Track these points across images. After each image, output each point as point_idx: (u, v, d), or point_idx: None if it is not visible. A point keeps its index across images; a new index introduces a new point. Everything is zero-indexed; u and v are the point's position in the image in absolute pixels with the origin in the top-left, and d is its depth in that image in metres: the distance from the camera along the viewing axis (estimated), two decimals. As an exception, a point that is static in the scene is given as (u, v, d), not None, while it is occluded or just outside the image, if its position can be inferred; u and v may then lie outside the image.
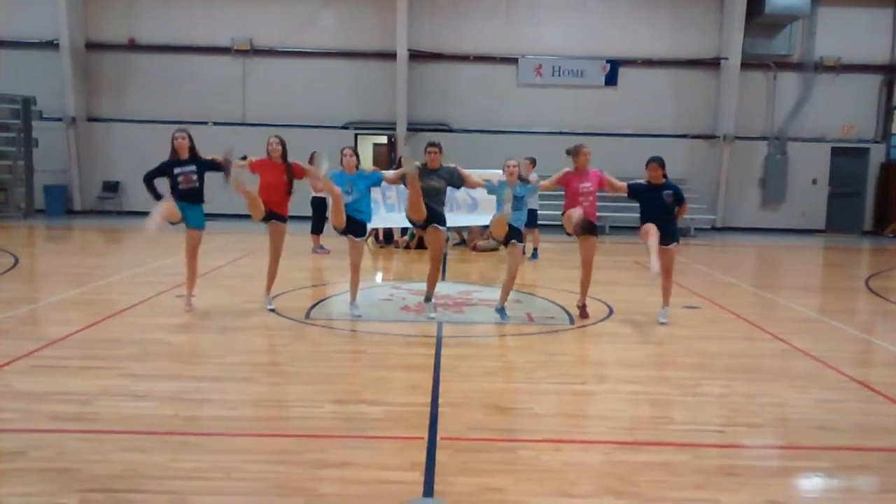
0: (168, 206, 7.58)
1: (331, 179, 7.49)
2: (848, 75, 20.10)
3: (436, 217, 7.74)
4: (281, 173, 8.01)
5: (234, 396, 5.33)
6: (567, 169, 8.07)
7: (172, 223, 7.77)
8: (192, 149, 7.91)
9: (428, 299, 8.15)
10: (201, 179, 7.90)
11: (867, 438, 4.86)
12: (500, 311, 7.97)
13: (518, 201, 7.73)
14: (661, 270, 7.60)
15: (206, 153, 8.05)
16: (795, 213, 20.53)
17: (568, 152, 8.13)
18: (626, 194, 8.09)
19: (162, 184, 7.86)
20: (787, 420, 5.22)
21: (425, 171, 7.73)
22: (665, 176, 7.93)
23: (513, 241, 7.79)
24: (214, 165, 7.83)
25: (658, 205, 7.85)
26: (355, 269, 8.03)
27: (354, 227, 7.82)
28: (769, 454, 4.62)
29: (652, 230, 7.64)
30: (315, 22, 19.77)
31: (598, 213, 8.36)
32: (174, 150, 7.84)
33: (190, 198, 7.84)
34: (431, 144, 7.81)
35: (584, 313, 8.37)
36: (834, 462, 4.44)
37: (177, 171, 7.77)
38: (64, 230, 17.16)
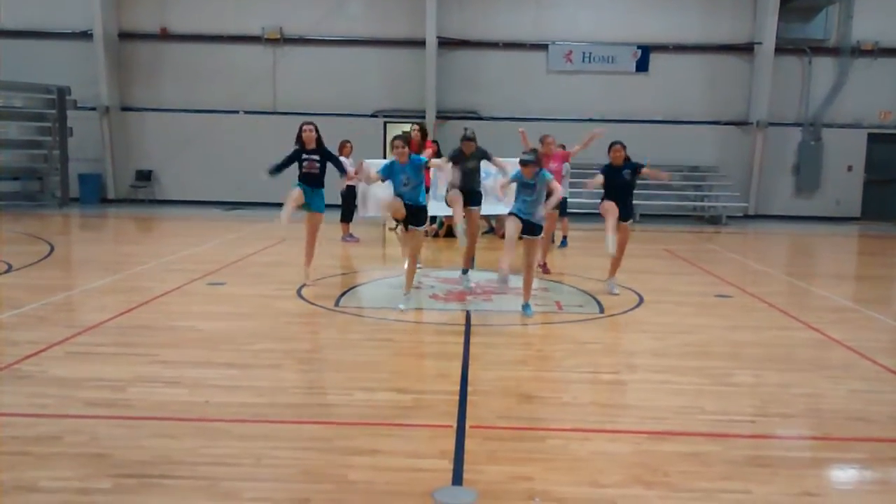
0: (294, 193, 8.55)
1: (384, 171, 7.93)
2: (886, 59, 19.63)
3: (473, 198, 8.86)
4: None
5: (264, 383, 5.37)
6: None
7: (300, 207, 8.65)
8: (319, 140, 8.76)
9: (465, 271, 9.09)
10: (323, 168, 8.75)
11: (903, 430, 4.78)
12: (525, 306, 7.84)
13: (530, 189, 7.51)
14: (617, 246, 8.54)
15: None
16: (830, 201, 20.16)
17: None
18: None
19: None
20: (821, 410, 5.15)
21: (462, 157, 8.78)
22: (627, 158, 8.58)
23: (525, 236, 7.66)
24: (336, 162, 8.87)
25: (618, 184, 8.50)
26: (413, 259, 8.01)
27: (414, 216, 7.85)
28: (802, 445, 4.56)
29: (611, 209, 8.37)
30: (344, 10, 19.76)
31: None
32: (301, 141, 8.68)
33: (312, 182, 8.68)
34: (468, 138, 8.75)
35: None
36: (869, 453, 4.38)
37: (304, 157, 8.69)
38: (98, 218, 17.41)
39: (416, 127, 9.16)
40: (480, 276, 9.49)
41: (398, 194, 7.81)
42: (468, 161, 8.79)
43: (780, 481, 3.95)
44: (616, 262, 8.89)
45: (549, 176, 7.60)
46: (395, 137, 7.92)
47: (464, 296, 8.63)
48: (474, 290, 8.86)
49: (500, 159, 8.86)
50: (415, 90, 19.66)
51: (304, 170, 8.72)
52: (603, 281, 9.06)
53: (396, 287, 8.53)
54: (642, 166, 8.57)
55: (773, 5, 18.85)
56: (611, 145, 8.63)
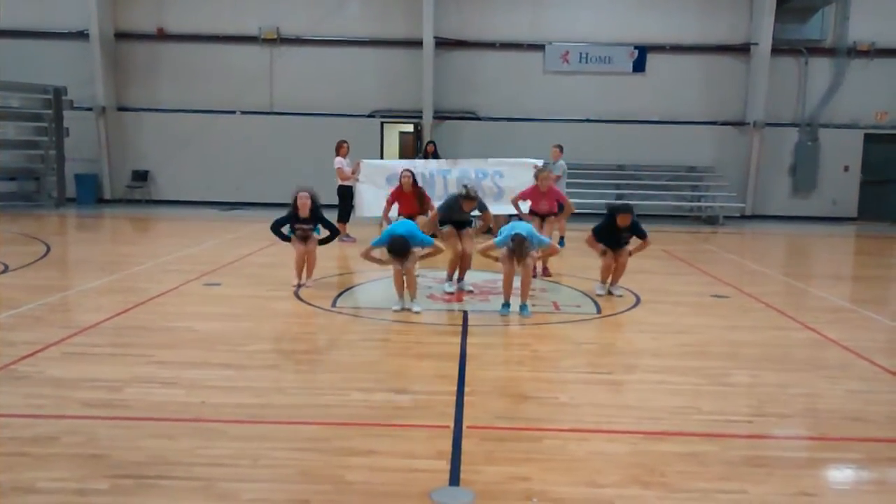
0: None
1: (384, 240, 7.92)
2: (882, 60, 19.64)
3: (465, 225, 9.02)
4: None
5: (260, 384, 5.37)
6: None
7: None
8: (313, 209, 8.91)
9: (460, 279, 8.97)
10: (315, 228, 9.11)
11: (900, 430, 4.78)
12: (523, 306, 7.85)
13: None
14: (617, 263, 8.79)
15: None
16: (826, 201, 20.18)
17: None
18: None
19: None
20: (818, 411, 5.16)
21: (459, 211, 8.84)
22: (631, 219, 8.59)
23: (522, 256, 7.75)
24: (328, 226, 9.13)
25: (615, 240, 8.74)
26: (410, 272, 7.95)
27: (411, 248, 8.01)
28: (799, 445, 4.57)
29: (608, 265, 8.87)
30: (341, 10, 19.74)
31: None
32: (296, 208, 8.86)
33: (305, 240, 9.05)
34: (470, 197, 8.64)
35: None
36: (866, 454, 4.38)
37: (297, 226, 8.97)
38: (94, 219, 17.37)
39: (407, 174, 10.19)
40: (478, 277, 9.48)
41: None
42: (464, 214, 8.96)
43: (776, 481, 3.95)
44: (618, 275, 8.92)
45: (544, 241, 8.15)
46: (393, 253, 7.75)
47: (461, 296, 8.64)
48: (472, 291, 8.87)
49: (490, 212, 9.25)
50: (412, 90, 19.65)
51: (297, 234, 9.03)
52: (603, 284, 8.99)
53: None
54: (644, 236, 8.74)
55: (770, 6, 18.87)
56: (620, 211, 8.60)
